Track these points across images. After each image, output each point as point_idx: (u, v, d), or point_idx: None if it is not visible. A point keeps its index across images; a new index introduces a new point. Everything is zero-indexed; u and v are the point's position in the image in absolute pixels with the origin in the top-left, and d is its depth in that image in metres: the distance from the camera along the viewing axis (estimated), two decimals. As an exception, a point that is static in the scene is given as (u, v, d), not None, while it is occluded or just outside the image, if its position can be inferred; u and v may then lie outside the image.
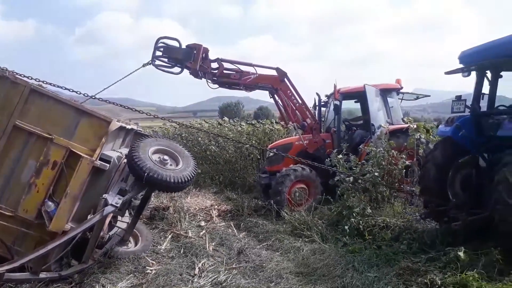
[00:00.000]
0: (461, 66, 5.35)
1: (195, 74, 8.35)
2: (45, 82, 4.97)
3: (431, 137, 7.36)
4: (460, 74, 5.41)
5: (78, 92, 5.56)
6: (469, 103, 5.38)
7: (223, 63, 8.45)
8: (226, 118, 18.29)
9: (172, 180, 4.51)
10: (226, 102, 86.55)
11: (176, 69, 8.35)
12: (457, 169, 5.55)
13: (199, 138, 14.64)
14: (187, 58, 8.11)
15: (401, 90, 9.14)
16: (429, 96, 11.34)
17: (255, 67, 8.63)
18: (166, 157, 4.87)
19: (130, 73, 8.18)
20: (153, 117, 6.43)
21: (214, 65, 8.44)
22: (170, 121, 7.53)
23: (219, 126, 15.93)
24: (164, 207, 7.68)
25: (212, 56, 8.45)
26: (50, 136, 4.44)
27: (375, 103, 8.52)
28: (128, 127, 5.51)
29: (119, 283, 4.38)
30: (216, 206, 8.61)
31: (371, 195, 6.60)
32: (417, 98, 10.01)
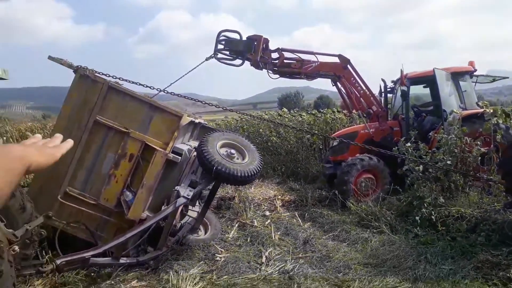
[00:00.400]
0: None
1: (256, 65, 8.40)
2: (121, 79, 5.29)
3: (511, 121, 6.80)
4: None
5: (152, 87, 5.85)
6: None
7: (283, 52, 8.41)
8: (285, 109, 18.26)
9: (239, 174, 4.62)
10: (285, 93, 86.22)
11: (237, 61, 8.47)
12: None
13: (260, 130, 14.78)
14: (248, 49, 8.18)
15: (474, 73, 8.52)
16: (507, 77, 10.45)
17: (316, 55, 8.49)
18: (233, 151, 5.00)
19: (195, 67, 8.42)
20: (223, 109, 6.62)
21: (275, 55, 8.42)
22: (242, 113, 7.78)
23: (279, 117, 15.95)
24: (229, 197, 7.89)
25: (272, 46, 8.45)
26: (127, 130, 4.74)
27: (446, 88, 8.03)
28: (196, 121, 5.71)
29: (191, 269, 4.58)
30: (279, 196, 8.66)
31: (444, 185, 6.26)
32: (494, 80, 9.27)
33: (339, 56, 8.47)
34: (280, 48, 8.45)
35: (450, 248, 4.90)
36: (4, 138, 13.93)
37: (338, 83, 8.52)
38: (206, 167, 4.66)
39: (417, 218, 5.74)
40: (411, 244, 5.21)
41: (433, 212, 5.71)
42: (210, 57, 8.40)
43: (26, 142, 0.95)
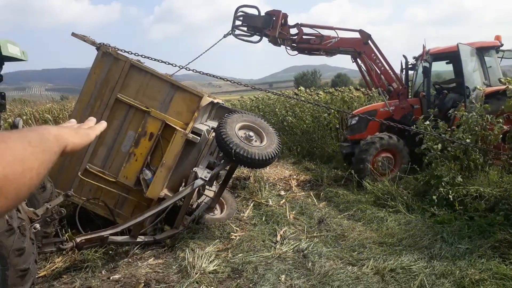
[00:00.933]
0: None
1: (274, 41, 8.25)
2: (143, 56, 5.29)
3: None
4: None
5: (174, 65, 5.84)
6: None
7: (302, 28, 8.22)
8: (302, 88, 18.08)
9: (257, 157, 4.61)
10: (301, 72, 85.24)
11: (255, 38, 8.33)
12: None
13: (276, 109, 14.71)
14: (266, 25, 8.03)
15: (501, 48, 8.20)
16: None
17: (336, 30, 8.28)
18: (251, 133, 4.97)
19: (213, 45, 8.31)
20: (252, 88, 6.63)
21: (293, 31, 8.24)
22: (267, 91, 7.78)
23: (295, 96, 15.83)
24: (245, 177, 7.92)
25: (290, 22, 8.29)
26: (148, 109, 4.77)
27: (470, 64, 7.76)
28: (215, 101, 5.70)
29: (207, 248, 4.65)
30: (294, 176, 8.67)
31: (463, 163, 6.13)
32: None
33: (360, 32, 8.24)
34: (299, 23, 8.26)
35: (467, 227, 4.84)
36: (24, 117, 14.23)
37: (358, 59, 8.33)
38: (224, 150, 4.66)
39: (434, 197, 5.67)
40: (427, 224, 5.16)
41: (450, 191, 5.62)
42: (228, 34, 8.29)
43: (61, 125, 0.96)
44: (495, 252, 4.14)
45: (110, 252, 4.63)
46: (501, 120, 6.14)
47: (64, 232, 4.50)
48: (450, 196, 5.57)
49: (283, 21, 8.07)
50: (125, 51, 4.97)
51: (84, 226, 4.46)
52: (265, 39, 8.29)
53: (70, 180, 4.89)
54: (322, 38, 8.17)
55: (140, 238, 4.70)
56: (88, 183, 4.89)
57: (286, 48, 8.33)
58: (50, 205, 4.10)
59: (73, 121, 1.03)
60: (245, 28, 8.28)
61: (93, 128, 1.01)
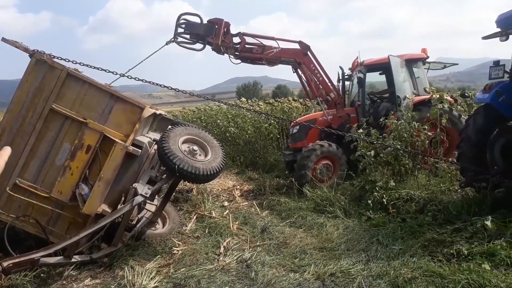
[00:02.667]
0: (498, 30, 5.14)
1: (217, 49, 8.27)
2: (82, 64, 5.04)
3: (459, 107, 7.16)
4: (496, 39, 5.21)
5: (115, 73, 5.61)
6: (507, 68, 5.19)
7: (245, 37, 8.33)
8: (243, 99, 18.28)
9: (201, 173, 4.53)
10: (244, 83, 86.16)
11: (198, 46, 8.30)
12: (497, 136, 5.40)
13: (218, 120, 14.73)
14: (208, 33, 8.03)
15: (427, 60, 8.87)
16: (457, 64, 10.92)
17: (277, 41, 8.48)
18: (195, 147, 4.88)
19: (155, 52, 8.12)
20: (198, 97, 6.56)
21: (236, 40, 8.33)
22: (218, 101, 8.00)
23: (244, 106, 15.94)
24: (187, 189, 7.81)
25: (233, 31, 8.36)
26: (85, 121, 4.54)
27: (400, 74, 8.32)
28: (157, 112, 5.58)
29: (147, 264, 4.51)
30: (238, 186, 8.70)
31: (394, 168, 6.51)
32: (445, 67, 9.68)
33: (300, 43, 8.52)
34: (242, 32, 8.36)
35: (400, 229, 5.11)
36: None
37: (298, 69, 8.59)
38: (167, 165, 4.52)
39: (369, 201, 5.96)
40: (364, 227, 5.40)
41: (384, 195, 5.94)
42: (170, 41, 8.18)
43: None
44: (425, 251, 4.40)
45: (42, 274, 4.33)
46: (426, 127, 6.61)
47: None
48: (384, 200, 5.88)
49: (225, 29, 8.14)
50: (62, 59, 4.73)
51: (14, 247, 4.14)
52: (208, 47, 8.29)
53: None
54: (264, 48, 8.34)
55: (75, 258, 4.43)
56: (17, 199, 4.54)
57: (229, 56, 8.40)
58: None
59: None
60: (188, 36, 8.23)
61: None
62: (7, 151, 1.00)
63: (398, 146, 6.35)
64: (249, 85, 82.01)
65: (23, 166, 4.53)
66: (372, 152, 6.51)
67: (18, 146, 4.49)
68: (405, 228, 5.12)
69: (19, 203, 4.57)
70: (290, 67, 8.80)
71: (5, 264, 3.79)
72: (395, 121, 6.77)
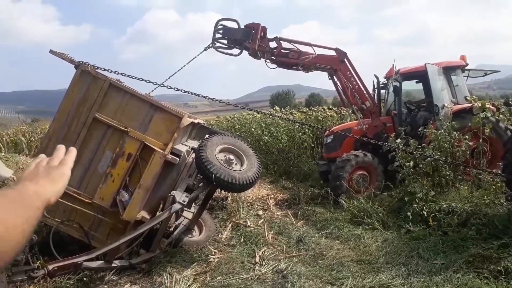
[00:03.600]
0: None
1: (254, 54, 8.33)
2: (123, 74, 5.23)
3: (501, 116, 6.87)
4: None
5: (155, 83, 5.80)
6: None
7: (281, 42, 8.36)
8: (277, 108, 18.30)
9: (237, 182, 4.57)
10: (276, 92, 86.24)
11: (235, 51, 8.40)
12: None
13: (252, 129, 14.79)
14: (245, 37, 8.11)
15: (466, 67, 8.59)
16: (499, 71, 10.49)
17: (313, 47, 8.44)
18: (231, 156, 4.93)
19: (193, 59, 8.25)
20: (241, 108, 6.62)
21: (273, 44, 8.35)
22: (252, 110, 8.28)
23: (270, 117, 15.96)
24: (222, 197, 7.87)
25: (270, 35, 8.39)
26: (126, 129, 4.68)
27: (438, 83, 8.09)
28: (195, 121, 5.69)
29: (184, 271, 4.56)
30: (272, 195, 8.68)
31: (434, 180, 6.31)
32: (485, 74, 9.33)
33: (336, 50, 8.45)
34: (278, 37, 8.39)
35: (441, 242, 4.94)
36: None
37: (334, 76, 8.52)
38: (204, 174, 4.59)
39: (408, 213, 5.79)
40: (403, 240, 5.25)
41: (424, 207, 5.76)
42: (209, 47, 8.33)
43: (31, 167, 0.92)
44: (469, 267, 4.23)
45: (85, 278, 4.47)
46: (467, 136, 6.38)
47: (35, 259, 4.32)
48: (424, 212, 5.70)
49: (262, 34, 8.19)
50: (104, 69, 4.92)
51: (59, 251, 4.30)
52: (245, 52, 8.37)
53: None
54: (300, 53, 8.32)
55: (115, 263, 4.56)
56: (62, 204, 4.74)
57: (265, 61, 8.42)
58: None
59: (42, 156, 1.00)
60: (225, 41, 8.35)
61: (65, 162, 0.97)
62: (73, 153, 1.03)
63: (438, 157, 6.15)
64: (282, 94, 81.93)
65: None
66: (411, 163, 6.33)
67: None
68: (447, 242, 4.94)
69: (64, 208, 4.75)
70: (324, 75, 8.72)
71: (50, 267, 3.94)
72: (435, 130, 6.58)
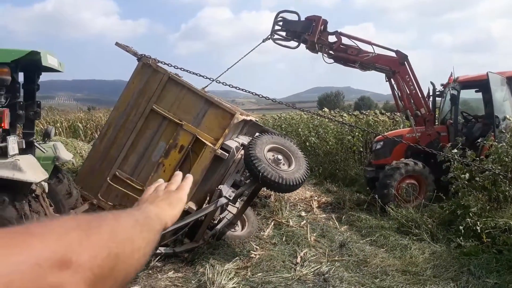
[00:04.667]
0: None
1: (312, 47, 8.22)
2: (182, 69, 5.39)
3: None
4: None
5: (211, 79, 5.95)
6: None
7: (341, 37, 8.25)
8: (326, 109, 18.08)
9: (284, 183, 4.59)
10: (325, 93, 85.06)
11: (293, 43, 8.35)
12: None
13: (299, 129, 14.70)
14: (305, 30, 8.04)
15: None
16: None
17: (373, 45, 8.24)
18: (280, 156, 4.96)
19: (249, 52, 8.24)
20: (289, 106, 6.66)
21: (332, 39, 8.24)
22: (301, 109, 8.42)
23: (319, 118, 15.79)
24: (266, 195, 7.89)
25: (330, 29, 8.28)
26: (181, 122, 4.86)
27: (500, 93, 7.63)
28: (247, 118, 5.75)
29: (226, 264, 4.63)
30: (316, 198, 8.58)
31: (491, 195, 5.96)
32: None
33: (397, 52, 8.18)
34: (339, 31, 8.25)
35: (495, 261, 4.67)
36: (57, 125, 14.65)
37: (392, 79, 8.28)
38: (252, 172, 4.66)
39: (460, 227, 5.50)
40: (453, 254, 5.02)
41: (478, 222, 5.46)
42: (267, 38, 8.34)
43: (150, 190, 0.96)
44: (525, 289, 3.98)
45: (131, 262, 4.66)
46: (532, 152, 5.96)
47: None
48: (478, 228, 5.40)
49: (322, 27, 8.08)
50: (164, 63, 5.10)
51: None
52: (301, 47, 8.29)
53: (99, 184, 5.01)
54: (359, 51, 8.12)
55: (160, 250, 4.72)
56: (115, 189, 4.98)
57: (323, 55, 8.31)
58: (75, 212, 4.19)
59: (161, 180, 1.04)
60: (283, 33, 8.35)
61: (182, 188, 0.99)
62: (190, 180, 1.06)
63: (498, 171, 5.80)
64: (331, 95, 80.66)
65: (123, 159, 4.96)
66: (467, 175, 6.01)
67: (120, 141, 4.93)
68: (502, 260, 4.66)
69: (117, 192, 4.99)
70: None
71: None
72: (495, 143, 6.21)
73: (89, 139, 15.06)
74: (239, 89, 6.45)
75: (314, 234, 6.07)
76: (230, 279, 4.27)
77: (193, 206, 4.83)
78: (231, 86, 6.18)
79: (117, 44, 5.14)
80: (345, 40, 8.18)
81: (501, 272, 4.44)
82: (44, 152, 4.63)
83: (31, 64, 4.20)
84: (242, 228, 5.88)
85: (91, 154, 5.30)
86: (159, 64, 5.02)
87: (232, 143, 5.16)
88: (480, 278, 4.35)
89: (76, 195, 4.83)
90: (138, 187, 4.94)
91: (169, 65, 5.17)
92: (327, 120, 12.60)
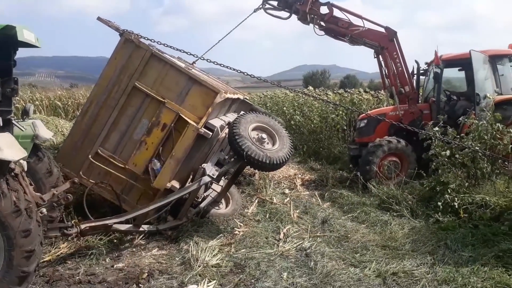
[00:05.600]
0: None
1: (303, 18, 8.15)
2: (165, 45, 5.28)
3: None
4: None
5: (195, 55, 5.84)
6: None
7: (333, 8, 8.20)
8: (311, 88, 18.06)
9: (267, 161, 4.62)
10: (311, 71, 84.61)
11: (285, 14, 8.29)
12: None
13: (284, 108, 14.70)
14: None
15: None
16: None
17: (364, 20, 8.20)
18: (264, 135, 4.97)
19: (241, 22, 7.99)
20: (275, 85, 6.60)
21: (324, 10, 8.18)
22: (286, 87, 8.36)
23: (304, 96, 15.78)
24: (250, 174, 7.93)
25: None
26: (164, 100, 4.80)
27: (482, 71, 7.72)
28: (234, 96, 5.67)
29: (210, 241, 4.68)
30: (300, 175, 8.68)
31: (470, 171, 6.11)
32: None
33: (387, 28, 8.18)
34: (330, 2, 8.20)
35: (471, 235, 4.82)
36: (34, 104, 14.30)
37: (380, 55, 8.30)
38: (236, 151, 4.66)
39: (439, 203, 5.65)
40: (431, 230, 5.17)
41: (456, 198, 5.61)
42: (259, 8, 8.24)
43: None
44: (498, 262, 4.13)
45: (115, 240, 4.68)
46: (511, 129, 6.09)
47: (70, 218, 4.54)
48: (456, 203, 5.55)
49: None
50: (148, 39, 4.99)
51: (91, 213, 4.49)
52: (294, 17, 8.18)
53: (81, 162, 4.97)
54: (350, 24, 8.12)
55: (143, 228, 4.73)
56: (97, 167, 4.94)
57: (314, 27, 8.27)
58: (56, 191, 4.15)
59: None
60: (275, 3, 8.24)
61: None
62: None
63: (478, 148, 5.93)
64: (317, 73, 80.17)
65: (105, 137, 4.91)
66: (447, 152, 6.13)
67: (102, 118, 4.87)
68: (477, 235, 4.83)
69: (99, 170, 4.96)
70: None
71: (82, 226, 4.13)
72: (476, 121, 6.32)
73: (70, 118, 14.77)
74: (224, 66, 6.37)
75: (297, 211, 6.16)
76: (213, 255, 4.32)
77: (176, 184, 4.83)
78: (215, 63, 6.11)
79: (99, 18, 5.01)
80: (336, 13, 8.15)
81: (476, 245, 4.60)
82: (22, 130, 4.53)
83: (6, 39, 4.04)
84: (226, 206, 5.92)
85: (72, 131, 5.22)
86: (142, 40, 4.91)
87: (217, 122, 5.13)
88: (456, 251, 4.50)
89: (57, 174, 4.76)
90: (120, 165, 4.91)
91: (152, 40, 5.07)
92: (311, 98, 12.60)
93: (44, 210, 3.93)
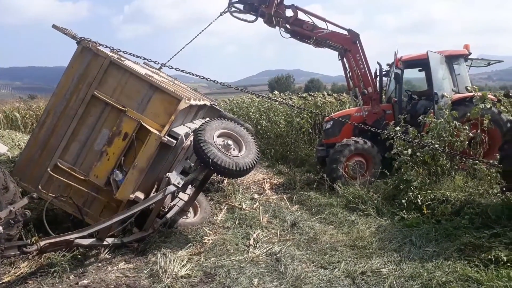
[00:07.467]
0: None
1: (269, 21, 8.25)
2: (125, 52, 5.16)
3: (502, 107, 6.85)
4: None
5: (156, 62, 5.76)
6: None
7: (298, 11, 8.29)
8: (276, 92, 18.22)
9: (234, 168, 4.58)
10: (276, 76, 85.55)
11: (251, 17, 8.34)
12: None
13: (250, 113, 14.74)
14: (262, 2, 8.05)
15: (469, 57, 8.53)
16: (502, 61, 10.41)
17: (328, 23, 8.37)
18: (230, 141, 4.92)
19: (205, 28, 8.10)
20: (240, 90, 6.56)
21: (289, 13, 8.29)
22: (251, 93, 8.28)
23: (269, 101, 15.87)
24: (219, 180, 7.87)
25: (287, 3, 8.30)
26: (124, 109, 4.65)
27: (439, 71, 8.06)
28: (200, 103, 5.59)
29: (179, 252, 4.58)
30: (268, 180, 8.70)
31: (430, 169, 6.32)
32: (489, 64, 9.27)
33: (349, 31, 8.39)
34: (295, 5, 8.30)
35: (434, 231, 4.98)
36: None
37: (344, 57, 8.49)
38: (201, 158, 4.58)
39: (403, 201, 5.83)
40: (396, 227, 5.29)
41: (419, 195, 5.79)
42: (224, 11, 8.25)
43: None
44: (460, 255, 4.28)
45: (79, 256, 4.49)
46: (467, 126, 6.36)
47: (30, 236, 4.33)
48: (419, 200, 5.74)
49: (279, 0, 8.13)
50: (106, 46, 4.86)
51: (53, 229, 4.31)
52: (260, 21, 8.25)
53: (39, 175, 4.75)
54: (314, 26, 8.27)
55: (107, 241, 4.57)
56: (57, 180, 4.74)
57: (280, 29, 8.37)
58: (13, 207, 3.95)
59: None
60: (241, 7, 8.26)
61: None
62: None
63: (437, 146, 6.15)
64: (282, 78, 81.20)
65: (64, 148, 4.72)
66: (409, 151, 6.33)
67: (61, 129, 4.69)
68: (440, 230, 4.99)
69: (59, 183, 4.76)
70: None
71: (42, 243, 3.94)
72: (434, 119, 6.56)
73: (29, 131, 14.19)
74: (187, 73, 6.33)
75: (267, 215, 6.16)
76: (182, 266, 4.24)
77: (140, 195, 4.70)
78: (177, 69, 6.04)
79: (54, 26, 4.83)
80: (301, 15, 8.28)
81: (439, 240, 4.75)
82: (-26, 146, 4.31)
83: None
84: (195, 215, 5.84)
85: (29, 144, 4.99)
86: (100, 48, 4.78)
87: (181, 129, 5.04)
88: (421, 247, 4.63)
89: (13, 189, 4.53)
90: (81, 177, 4.74)
91: (111, 48, 4.94)
92: (277, 103, 12.69)
93: (0, 228, 3.73)
